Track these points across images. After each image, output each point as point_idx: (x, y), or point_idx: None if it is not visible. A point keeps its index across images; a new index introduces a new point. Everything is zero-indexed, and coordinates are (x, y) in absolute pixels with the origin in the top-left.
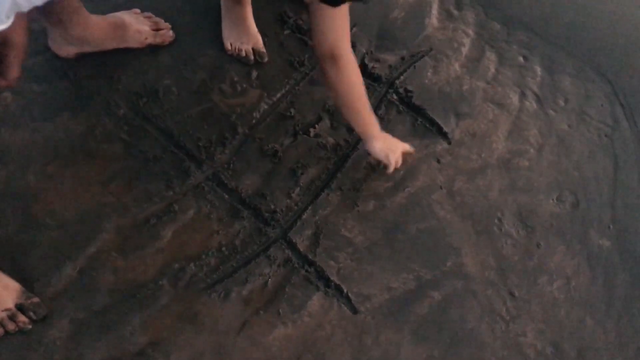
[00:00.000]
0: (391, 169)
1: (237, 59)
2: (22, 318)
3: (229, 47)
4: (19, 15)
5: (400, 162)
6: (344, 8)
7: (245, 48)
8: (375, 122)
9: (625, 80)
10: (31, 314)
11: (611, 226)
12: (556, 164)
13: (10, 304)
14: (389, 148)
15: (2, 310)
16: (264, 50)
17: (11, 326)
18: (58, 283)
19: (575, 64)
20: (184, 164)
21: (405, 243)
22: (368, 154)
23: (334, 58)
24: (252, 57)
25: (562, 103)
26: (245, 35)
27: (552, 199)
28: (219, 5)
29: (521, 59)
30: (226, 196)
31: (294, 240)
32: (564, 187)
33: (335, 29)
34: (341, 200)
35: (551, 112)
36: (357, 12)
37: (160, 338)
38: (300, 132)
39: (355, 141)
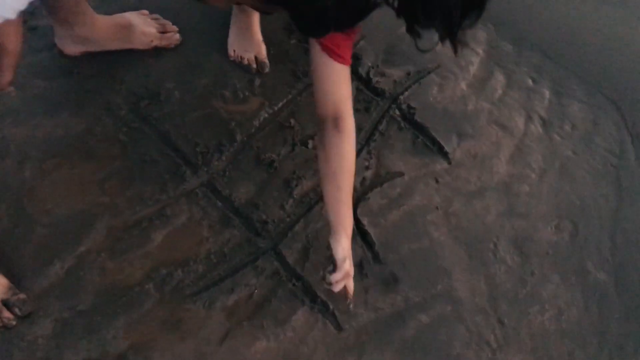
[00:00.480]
0: (339, 277)
1: (239, 66)
2: (6, 314)
3: (232, 54)
4: (12, 22)
5: (352, 286)
6: (348, 68)
7: (248, 56)
8: (352, 220)
9: (636, 109)
10: (16, 310)
11: (610, 259)
12: (557, 191)
13: None
14: (351, 256)
15: None
16: (266, 60)
17: None
18: (45, 281)
19: (585, 90)
20: (180, 168)
21: (396, 262)
22: (328, 247)
23: (336, 120)
24: (254, 66)
25: (568, 129)
26: (250, 43)
27: (551, 227)
28: (228, 11)
29: (530, 81)
30: (219, 203)
31: (283, 253)
32: (563, 215)
33: (340, 87)
34: None
35: (556, 137)
36: (365, 26)
37: (142, 342)
38: (299, 143)
39: None
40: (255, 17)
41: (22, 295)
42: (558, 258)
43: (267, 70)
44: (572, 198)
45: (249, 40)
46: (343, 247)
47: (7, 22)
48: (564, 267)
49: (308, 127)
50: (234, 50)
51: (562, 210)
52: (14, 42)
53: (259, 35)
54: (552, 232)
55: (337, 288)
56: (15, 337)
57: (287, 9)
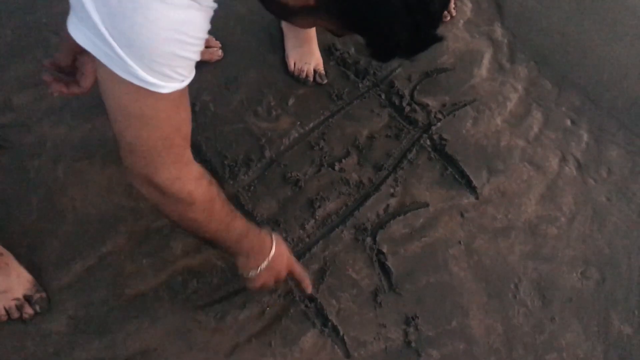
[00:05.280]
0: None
1: (296, 79)
2: (28, 310)
3: (292, 67)
4: None
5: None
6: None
7: (307, 68)
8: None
9: None
10: (37, 307)
11: (636, 313)
12: (587, 236)
13: (19, 293)
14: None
15: (12, 299)
16: (324, 72)
17: (16, 315)
18: (65, 277)
19: (625, 136)
20: None
21: (412, 294)
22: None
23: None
24: (311, 78)
25: (604, 174)
26: (310, 56)
27: (576, 273)
28: (269, 28)
29: (568, 122)
30: None
31: None
32: (590, 262)
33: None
34: (354, 240)
35: (591, 181)
36: None
37: (151, 348)
38: (326, 165)
39: (379, 182)
40: (314, 31)
41: (44, 294)
42: (581, 306)
43: (325, 81)
44: (601, 246)
45: (309, 53)
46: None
47: None
48: (586, 315)
49: (337, 150)
50: (294, 63)
51: (590, 257)
52: None
53: (317, 48)
54: (577, 278)
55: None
56: (30, 330)
57: (363, 37)
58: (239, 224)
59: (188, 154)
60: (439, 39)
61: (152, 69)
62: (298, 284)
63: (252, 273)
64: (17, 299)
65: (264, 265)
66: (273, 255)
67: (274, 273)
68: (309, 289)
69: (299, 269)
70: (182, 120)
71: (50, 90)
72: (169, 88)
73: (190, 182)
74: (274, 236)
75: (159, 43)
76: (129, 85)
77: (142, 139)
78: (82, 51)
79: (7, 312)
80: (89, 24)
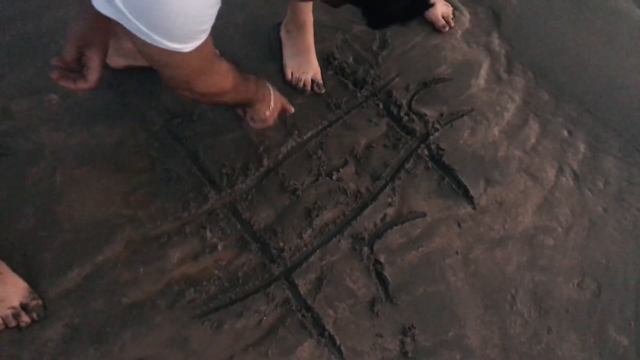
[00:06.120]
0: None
1: (294, 88)
2: (25, 318)
3: (290, 76)
4: (103, 23)
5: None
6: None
7: (305, 78)
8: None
9: None
10: (34, 315)
11: (633, 323)
12: (583, 247)
13: (16, 302)
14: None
15: (8, 308)
16: (322, 81)
17: (13, 324)
18: (62, 285)
19: (622, 146)
20: (204, 188)
21: (409, 304)
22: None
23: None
24: (309, 88)
25: (601, 185)
26: (308, 65)
27: (573, 284)
28: (267, 37)
29: (565, 133)
30: (238, 226)
31: (296, 282)
32: (587, 273)
33: None
34: (351, 249)
35: (587, 192)
36: (401, 62)
37: (147, 356)
38: (323, 174)
39: (377, 191)
40: (312, 39)
41: (40, 302)
42: (577, 317)
43: (323, 91)
44: (598, 256)
45: (307, 63)
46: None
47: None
48: (583, 326)
49: (334, 159)
50: (292, 73)
51: (587, 268)
52: (104, 42)
53: (315, 58)
54: (573, 289)
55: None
56: (26, 339)
57: (360, 7)
58: (252, 83)
59: (214, 60)
60: (431, 4)
61: (175, 39)
62: (285, 110)
63: (267, 112)
64: (14, 308)
65: (272, 104)
66: (275, 95)
67: (277, 107)
68: (291, 108)
69: (285, 101)
70: (208, 53)
71: (61, 84)
72: (191, 47)
73: (221, 80)
74: (267, 82)
75: (181, 20)
76: (157, 47)
77: (179, 75)
78: (88, 45)
79: (4, 320)
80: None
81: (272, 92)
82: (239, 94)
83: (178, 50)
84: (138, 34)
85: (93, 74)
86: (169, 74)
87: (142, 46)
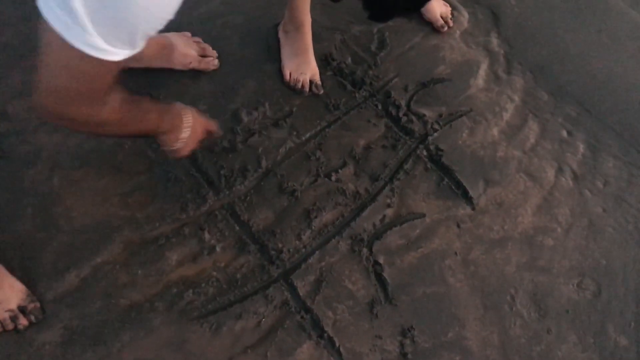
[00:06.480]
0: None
1: (292, 89)
2: (23, 320)
3: (288, 77)
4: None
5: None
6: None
7: (303, 79)
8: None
9: None
10: (32, 317)
11: (632, 324)
12: (583, 248)
13: (13, 305)
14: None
15: (5, 311)
16: (320, 82)
17: (10, 326)
18: (60, 287)
19: (622, 146)
20: (203, 189)
21: (408, 305)
22: None
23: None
24: (307, 89)
25: (600, 185)
26: (306, 66)
27: (572, 284)
28: (266, 38)
29: (565, 133)
30: (237, 228)
31: (295, 284)
32: (587, 273)
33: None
34: (350, 251)
35: (587, 192)
36: (400, 63)
37: (145, 359)
38: (322, 175)
39: (375, 192)
40: (310, 40)
41: (37, 304)
42: (577, 317)
43: (321, 92)
44: (597, 257)
45: (305, 63)
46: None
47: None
48: (582, 327)
49: (333, 160)
50: (290, 74)
51: (586, 269)
52: None
53: (314, 58)
54: (573, 289)
55: None
56: (24, 341)
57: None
58: (153, 113)
59: (109, 92)
60: None
61: (112, 40)
62: (211, 133)
63: (178, 144)
64: (11, 310)
65: (186, 134)
66: (191, 123)
67: (196, 136)
68: (219, 132)
69: (211, 123)
70: (116, 77)
71: None
72: (121, 55)
73: (105, 111)
74: (182, 105)
75: (134, 19)
76: (77, 51)
77: (71, 88)
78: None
79: (2, 323)
80: None
81: (190, 120)
82: (128, 127)
83: (102, 56)
84: (67, 34)
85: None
86: (61, 84)
87: (57, 49)
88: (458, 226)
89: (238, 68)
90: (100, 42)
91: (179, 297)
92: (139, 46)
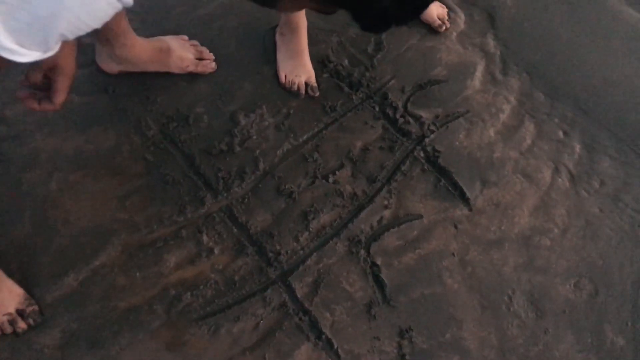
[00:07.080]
0: None
1: (288, 91)
2: (21, 324)
3: (283, 79)
4: (70, 45)
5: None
6: None
7: (299, 81)
8: None
9: None
10: (30, 320)
11: (629, 324)
12: (580, 248)
13: (11, 308)
14: None
15: (4, 314)
16: (316, 84)
17: (9, 330)
18: (58, 291)
19: (618, 146)
20: (200, 192)
21: (406, 306)
22: None
23: None
24: (303, 91)
25: (597, 185)
26: (301, 68)
27: (569, 285)
28: (264, 41)
29: (561, 133)
30: (235, 230)
31: (293, 285)
32: (584, 273)
33: None
34: (348, 252)
35: (584, 193)
36: (396, 65)
37: None
38: (319, 177)
39: (373, 194)
40: (305, 43)
41: (36, 307)
42: (574, 317)
43: (317, 94)
44: (594, 257)
45: (301, 66)
46: None
47: (65, 43)
48: (580, 327)
49: (331, 162)
50: (285, 76)
51: (583, 269)
52: (70, 63)
53: (309, 61)
54: (570, 290)
55: None
56: (22, 345)
57: (348, 10)
58: None
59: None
60: (427, 3)
61: (23, 40)
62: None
63: None
64: (10, 314)
65: None
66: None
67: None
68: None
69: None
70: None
71: (26, 105)
72: (30, 57)
73: None
74: None
75: (55, 20)
76: None
77: None
78: (52, 68)
79: (0, 327)
80: None
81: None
82: None
83: (10, 56)
84: None
85: (59, 96)
86: None
87: None
88: (455, 227)
89: (235, 71)
90: (6, 41)
91: (177, 300)
92: (53, 50)
